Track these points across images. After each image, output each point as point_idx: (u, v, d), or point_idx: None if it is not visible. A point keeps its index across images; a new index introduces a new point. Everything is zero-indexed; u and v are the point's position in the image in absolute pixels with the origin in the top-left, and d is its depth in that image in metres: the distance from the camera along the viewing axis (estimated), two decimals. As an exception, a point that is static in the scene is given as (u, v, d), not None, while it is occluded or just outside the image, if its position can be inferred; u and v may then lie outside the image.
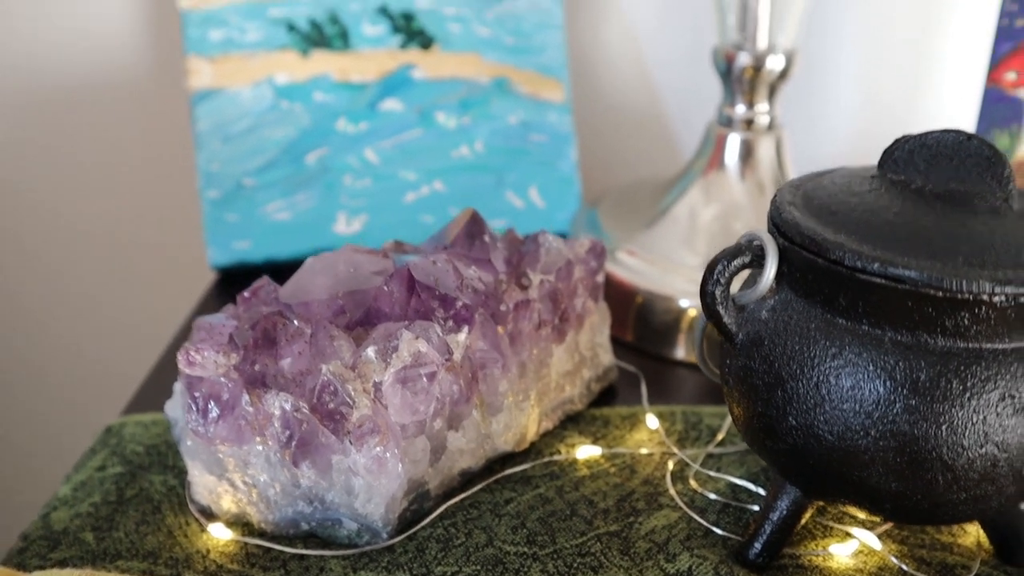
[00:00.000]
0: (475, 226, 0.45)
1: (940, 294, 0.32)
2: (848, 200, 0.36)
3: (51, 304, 0.81)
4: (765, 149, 0.59)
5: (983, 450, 0.33)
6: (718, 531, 0.41)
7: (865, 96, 0.74)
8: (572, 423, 0.49)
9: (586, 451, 0.46)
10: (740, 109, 0.59)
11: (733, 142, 0.60)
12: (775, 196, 0.38)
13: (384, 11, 0.66)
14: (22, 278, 0.80)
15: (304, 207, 0.65)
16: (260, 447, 0.39)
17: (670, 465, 0.46)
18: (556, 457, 0.46)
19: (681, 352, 0.56)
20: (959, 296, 0.32)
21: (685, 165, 0.62)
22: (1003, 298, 0.32)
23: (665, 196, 0.62)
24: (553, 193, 0.68)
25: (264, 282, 0.42)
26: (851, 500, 0.37)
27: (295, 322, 0.39)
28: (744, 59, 0.57)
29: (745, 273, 0.39)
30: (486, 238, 0.45)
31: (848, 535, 0.41)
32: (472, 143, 0.67)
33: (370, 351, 0.38)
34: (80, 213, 0.78)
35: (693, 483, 0.45)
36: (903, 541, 0.41)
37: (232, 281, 0.64)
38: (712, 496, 0.44)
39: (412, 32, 0.67)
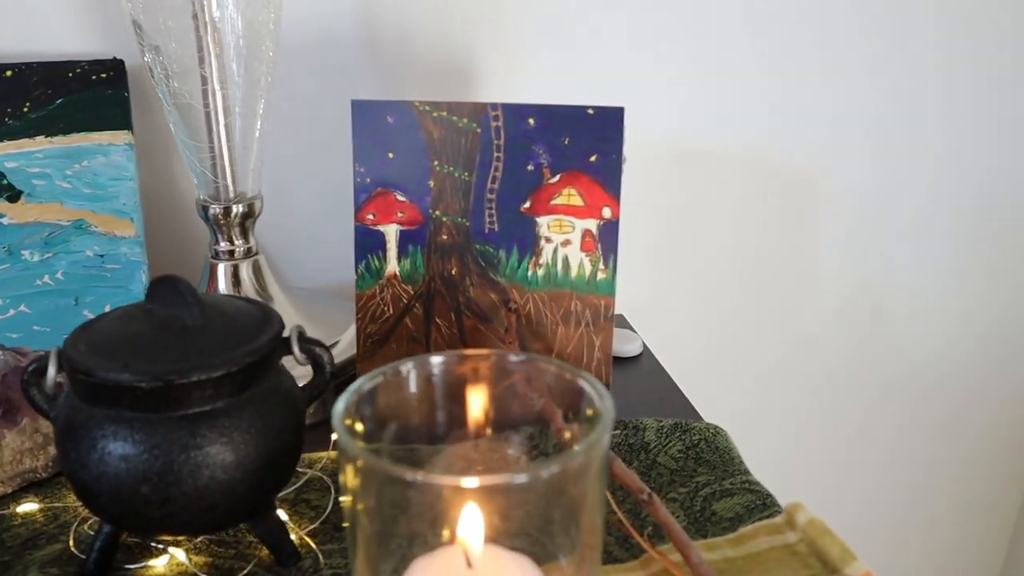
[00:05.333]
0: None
1: (115, 385, 0.51)
2: (108, 326, 0.55)
3: None
4: (246, 273, 0.79)
5: (161, 486, 0.52)
6: (81, 556, 0.59)
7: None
8: (36, 487, 0.67)
9: (24, 507, 0.64)
10: (224, 245, 0.79)
11: (221, 271, 0.79)
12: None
13: (-23, 173, 0.85)
14: None
15: (-93, 330, 0.82)
16: None
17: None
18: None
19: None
20: (124, 386, 0.51)
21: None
22: (149, 386, 0.51)
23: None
24: (124, 309, 0.87)
25: None
26: (119, 524, 0.55)
27: None
28: (215, 209, 0.77)
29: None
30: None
31: (166, 551, 0.59)
32: (54, 273, 0.86)
33: None
34: None
35: (85, 527, 0.62)
36: (209, 553, 0.60)
37: None
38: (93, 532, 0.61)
39: (1, 188, 0.85)
